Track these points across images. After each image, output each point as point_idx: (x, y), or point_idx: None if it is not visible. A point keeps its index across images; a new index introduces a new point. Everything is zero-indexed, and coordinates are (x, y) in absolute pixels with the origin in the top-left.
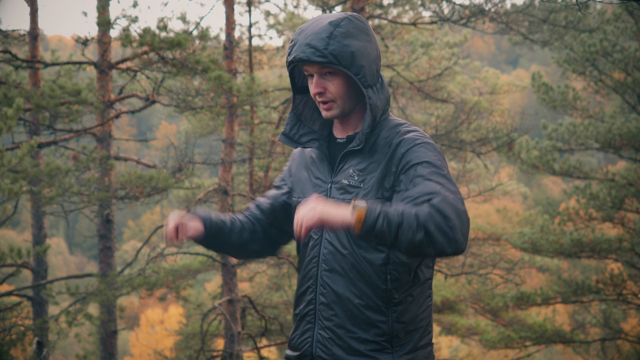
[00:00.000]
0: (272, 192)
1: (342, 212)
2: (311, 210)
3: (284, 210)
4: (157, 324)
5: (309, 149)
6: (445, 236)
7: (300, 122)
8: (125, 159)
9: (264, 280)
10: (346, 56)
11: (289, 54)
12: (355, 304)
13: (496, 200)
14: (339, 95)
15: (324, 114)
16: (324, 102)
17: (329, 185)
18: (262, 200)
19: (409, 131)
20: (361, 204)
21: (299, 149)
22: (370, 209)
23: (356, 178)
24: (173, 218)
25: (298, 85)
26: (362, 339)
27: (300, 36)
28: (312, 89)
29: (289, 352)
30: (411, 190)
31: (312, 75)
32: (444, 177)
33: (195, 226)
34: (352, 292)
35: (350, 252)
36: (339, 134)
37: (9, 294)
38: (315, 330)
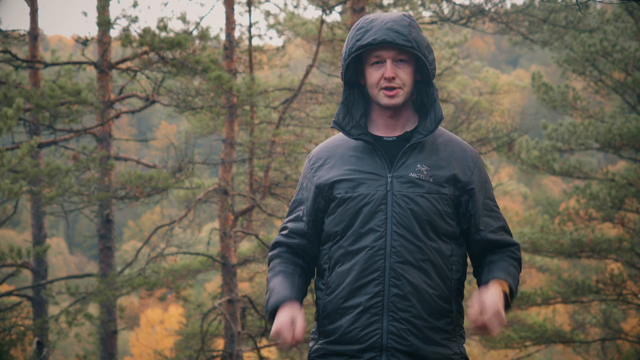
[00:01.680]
0: (301, 208)
1: (501, 301)
2: (499, 315)
3: (320, 218)
4: (157, 324)
5: (343, 147)
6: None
7: (349, 114)
8: (125, 159)
9: (264, 280)
10: (424, 45)
11: (359, 39)
12: (430, 294)
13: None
14: (407, 83)
15: (387, 101)
16: (391, 89)
17: (389, 179)
18: (296, 226)
19: (459, 139)
20: (506, 287)
21: (322, 149)
22: (512, 295)
23: (425, 173)
24: (284, 323)
25: (345, 80)
26: (436, 328)
27: (374, 23)
28: (387, 72)
29: (337, 346)
30: (489, 216)
31: (378, 62)
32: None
33: (301, 323)
34: (427, 283)
35: (425, 244)
36: (383, 132)
37: (9, 294)
38: (386, 322)
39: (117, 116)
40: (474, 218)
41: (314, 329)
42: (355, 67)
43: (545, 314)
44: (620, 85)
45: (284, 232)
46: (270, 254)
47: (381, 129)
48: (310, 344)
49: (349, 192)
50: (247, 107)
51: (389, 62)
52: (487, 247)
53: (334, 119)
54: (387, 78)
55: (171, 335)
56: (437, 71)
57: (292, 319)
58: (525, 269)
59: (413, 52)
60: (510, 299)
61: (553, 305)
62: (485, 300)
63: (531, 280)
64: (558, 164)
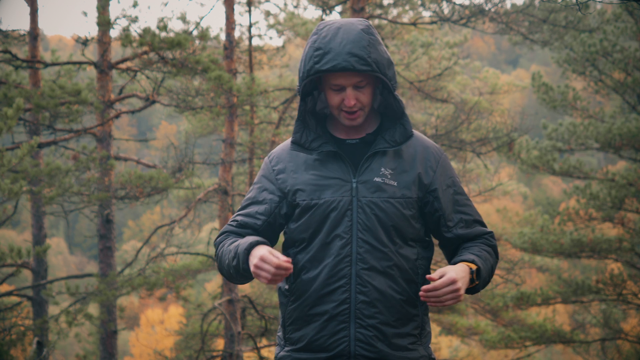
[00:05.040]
0: (257, 208)
1: (467, 280)
2: (458, 291)
3: (279, 223)
4: (157, 324)
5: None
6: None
7: (305, 128)
8: (125, 159)
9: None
10: (384, 63)
11: (317, 62)
12: (397, 299)
13: (496, 200)
14: (367, 103)
15: (349, 122)
16: (352, 112)
17: (354, 184)
18: (248, 220)
19: (421, 137)
20: (477, 272)
21: (284, 152)
22: (481, 281)
23: (389, 177)
24: (265, 254)
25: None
26: (403, 334)
27: (332, 45)
28: (348, 102)
29: (304, 354)
30: (458, 212)
31: (338, 87)
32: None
33: (281, 256)
34: (394, 289)
35: (390, 250)
36: (345, 135)
37: (9, 294)
38: (353, 330)
39: (117, 116)
40: (443, 217)
41: (279, 335)
42: (311, 79)
43: (545, 314)
44: (620, 85)
45: (234, 223)
46: (217, 240)
47: (342, 131)
48: (276, 350)
49: (314, 199)
50: (247, 107)
51: (349, 89)
52: (460, 242)
53: (291, 138)
54: (349, 106)
55: (171, 335)
56: (437, 71)
57: (270, 252)
58: (525, 269)
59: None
60: (477, 277)
61: (553, 305)
62: (446, 270)
63: (531, 280)
64: (558, 164)
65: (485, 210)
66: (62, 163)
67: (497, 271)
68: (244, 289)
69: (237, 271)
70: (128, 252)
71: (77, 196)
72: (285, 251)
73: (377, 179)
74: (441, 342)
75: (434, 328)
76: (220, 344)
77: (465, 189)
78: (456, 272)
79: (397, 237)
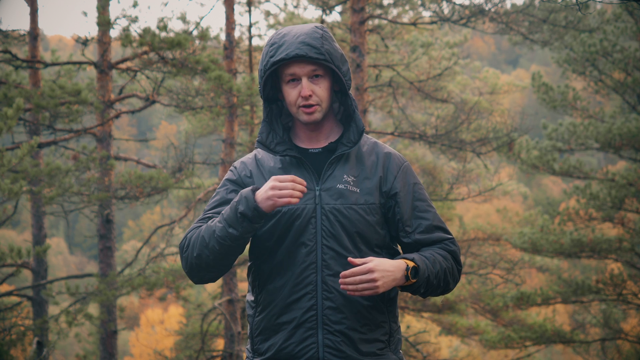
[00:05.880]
0: (223, 209)
1: (397, 276)
2: (374, 281)
3: None
4: (157, 324)
5: (268, 160)
6: (455, 283)
7: (272, 131)
8: (125, 159)
9: None
10: (338, 57)
11: (272, 56)
12: (364, 305)
13: (496, 200)
14: (325, 98)
15: (306, 117)
16: (309, 106)
17: (317, 192)
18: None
19: (384, 145)
20: (413, 270)
21: (249, 160)
22: (420, 280)
23: (352, 183)
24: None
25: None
26: (371, 339)
27: (286, 38)
28: (303, 91)
29: None
30: (418, 217)
31: (294, 80)
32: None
33: None
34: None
35: (355, 256)
36: (308, 144)
37: (9, 294)
38: (321, 336)
39: (117, 116)
40: (402, 222)
41: (248, 347)
42: (273, 83)
43: (545, 314)
44: (620, 85)
45: (204, 220)
46: (186, 235)
47: (305, 141)
48: None
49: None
50: (247, 107)
51: (304, 79)
52: (419, 248)
53: (257, 138)
54: (304, 97)
55: (171, 335)
56: (437, 71)
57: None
58: (525, 269)
59: (327, 65)
60: (413, 276)
61: (553, 305)
62: (371, 259)
63: (531, 280)
64: (558, 164)
65: (485, 210)
66: (62, 163)
67: (497, 271)
68: (244, 288)
69: (235, 228)
70: (128, 252)
71: (77, 196)
72: (250, 261)
73: (340, 186)
74: (441, 342)
75: (434, 328)
76: (220, 344)
77: (465, 190)
78: (377, 264)
79: (362, 244)
